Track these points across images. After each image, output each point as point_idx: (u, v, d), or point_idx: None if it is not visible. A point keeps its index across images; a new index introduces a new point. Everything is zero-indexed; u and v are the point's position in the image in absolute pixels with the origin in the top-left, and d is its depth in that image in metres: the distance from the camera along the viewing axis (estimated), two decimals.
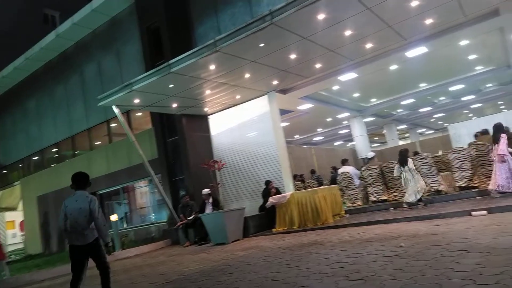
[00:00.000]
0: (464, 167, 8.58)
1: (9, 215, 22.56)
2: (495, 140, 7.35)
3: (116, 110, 10.33)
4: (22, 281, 8.06)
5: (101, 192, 15.82)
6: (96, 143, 16.45)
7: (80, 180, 4.44)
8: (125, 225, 14.92)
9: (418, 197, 8.18)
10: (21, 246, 19.69)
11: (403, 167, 8.41)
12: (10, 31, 24.96)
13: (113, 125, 15.29)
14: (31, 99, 19.47)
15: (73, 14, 15.22)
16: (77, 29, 15.41)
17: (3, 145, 21.73)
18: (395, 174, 8.88)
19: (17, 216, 22.15)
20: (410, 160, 8.51)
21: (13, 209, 21.59)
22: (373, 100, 18.83)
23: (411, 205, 8.30)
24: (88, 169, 15.85)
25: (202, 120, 12.44)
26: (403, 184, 8.56)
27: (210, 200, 10.03)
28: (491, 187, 7.34)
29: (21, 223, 21.60)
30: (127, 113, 13.76)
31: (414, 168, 8.47)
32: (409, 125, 27.88)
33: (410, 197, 8.30)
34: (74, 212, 4.18)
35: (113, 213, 11.83)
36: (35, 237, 18.60)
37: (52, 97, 18.16)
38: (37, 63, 18.07)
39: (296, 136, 24.71)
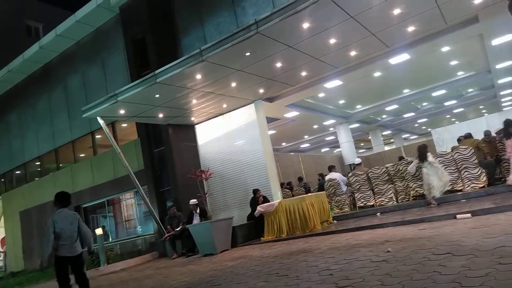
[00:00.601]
0: (448, 170, 8.70)
1: None
2: (507, 135, 7.45)
3: (101, 121, 10.20)
4: None
5: (85, 205, 15.53)
6: (81, 155, 16.18)
7: (64, 198, 5.03)
8: (110, 239, 14.63)
9: (442, 191, 7.97)
10: (1, 264, 19.07)
11: (423, 162, 8.17)
12: None
13: (98, 136, 15.08)
14: (14, 111, 19.09)
15: (57, 26, 15.07)
16: (60, 40, 15.25)
17: None
18: (411, 171, 8.65)
19: None
20: (429, 154, 8.17)
21: None
22: (358, 106, 19.08)
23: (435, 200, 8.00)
24: (72, 182, 15.60)
25: (188, 129, 12.38)
26: (424, 180, 8.19)
27: (198, 210, 9.93)
28: (509, 183, 7.41)
29: (2, 240, 20.95)
30: (112, 124, 13.61)
31: (436, 162, 8.19)
32: (394, 130, 28.31)
33: (437, 192, 7.93)
34: (66, 227, 4.77)
35: (98, 227, 11.60)
36: (17, 254, 18.08)
37: (35, 109, 17.85)
38: (20, 75, 17.77)
39: (283, 144, 24.82)
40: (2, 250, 19.87)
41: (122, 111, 10.10)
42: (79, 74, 15.67)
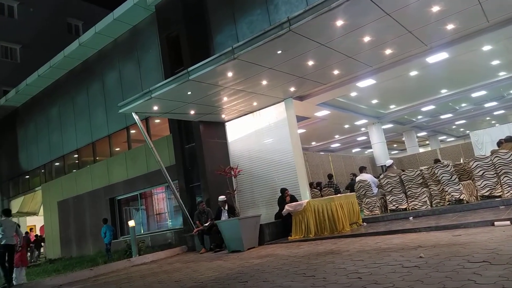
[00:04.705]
0: (486, 175, 8.32)
1: (30, 220, 23.09)
2: None
3: (135, 117, 10.51)
4: (41, 286, 8.19)
5: (119, 197, 16.07)
6: (116, 149, 16.76)
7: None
8: (142, 231, 15.07)
9: None
10: (41, 250, 20.11)
11: None
12: (35, 40, 25.85)
13: (132, 131, 15.56)
14: (54, 106, 20.03)
15: (96, 24, 15.66)
16: (99, 38, 15.83)
17: (26, 151, 22.38)
18: None
19: (37, 221, 22.65)
20: None
21: (34, 214, 22.11)
22: (392, 106, 18.58)
23: None
24: (107, 175, 16.18)
25: (219, 126, 12.52)
26: None
27: (226, 207, 10.04)
28: None
29: (41, 228, 22.09)
30: (146, 120, 13.99)
31: None
32: (430, 132, 27.34)
33: None
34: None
35: (130, 219, 11.97)
36: (55, 242, 19.00)
37: (74, 104, 18.64)
38: (60, 71, 18.60)
39: (313, 143, 24.57)
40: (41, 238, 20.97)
41: (155, 107, 10.36)
42: (116, 70, 16.21)
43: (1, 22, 25.65)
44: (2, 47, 25.39)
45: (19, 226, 8.47)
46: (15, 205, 22.79)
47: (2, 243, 7.74)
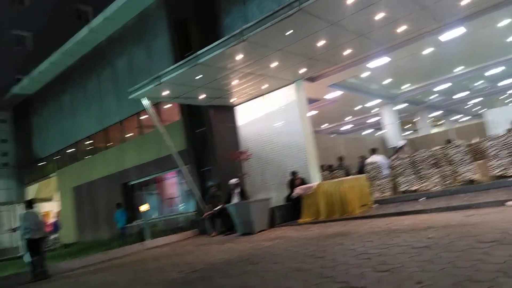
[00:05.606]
0: (500, 155, 8.16)
1: (46, 206, 23.66)
2: None
3: (146, 102, 10.55)
4: (58, 270, 8.43)
5: (132, 183, 16.31)
6: (128, 135, 16.91)
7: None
8: (155, 215, 15.33)
9: None
10: (56, 235, 20.65)
11: None
12: (46, 28, 25.95)
13: (143, 117, 15.65)
14: (66, 93, 20.21)
15: (105, 9, 15.59)
16: (108, 23, 15.77)
17: (40, 138, 22.76)
18: None
19: (53, 206, 23.21)
20: None
21: (49, 200, 22.63)
22: (405, 86, 18.23)
23: None
24: (120, 160, 16.39)
25: (229, 111, 12.49)
26: None
27: (237, 190, 10.10)
28: None
29: (57, 213, 22.66)
30: (156, 105, 14.01)
31: None
32: (444, 111, 26.80)
33: None
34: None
35: (143, 204, 12.17)
36: (70, 227, 19.47)
37: (85, 90, 18.78)
38: (71, 58, 18.67)
39: (324, 126, 24.37)
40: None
41: (165, 93, 10.36)
42: (126, 56, 16.22)
43: (11, 10, 25.76)
44: (14, 35, 25.57)
45: (40, 215, 8.20)
46: (31, 191, 23.34)
47: (26, 237, 7.56)
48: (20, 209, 18.75)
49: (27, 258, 8.13)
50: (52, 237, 19.12)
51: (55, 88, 20.89)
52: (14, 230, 17.72)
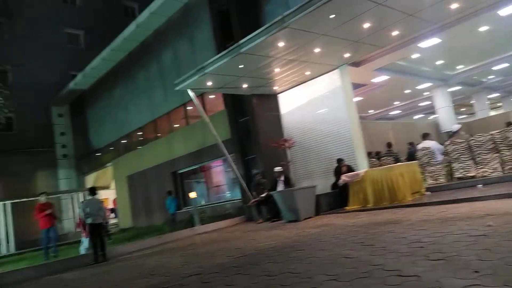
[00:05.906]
0: None
1: (104, 193, 25.23)
2: None
3: (191, 93, 10.79)
4: (115, 253, 8.98)
5: (181, 171, 16.89)
6: (175, 125, 17.48)
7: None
8: (203, 202, 15.79)
9: None
10: (115, 221, 21.97)
11: None
12: (96, 25, 27.29)
13: (189, 108, 16.07)
14: (117, 87, 21.24)
15: (150, 4, 16.07)
16: (154, 18, 16.27)
17: (95, 131, 24.19)
18: None
19: (110, 194, 24.67)
20: None
21: (106, 188, 24.07)
22: (460, 67, 17.12)
23: None
24: (168, 150, 17.01)
25: (271, 99, 12.46)
26: None
27: (282, 178, 10.11)
28: None
29: (114, 201, 24.07)
30: (201, 96, 14.32)
31: None
32: (503, 93, 24.88)
33: None
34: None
35: (192, 191, 12.57)
36: (126, 213, 20.62)
37: (135, 84, 19.60)
38: (120, 53, 19.52)
39: (371, 111, 23.58)
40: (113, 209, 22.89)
41: (209, 83, 10.53)
42: (171, 49, 16.66)
43: (65, 10, 27.34)
44: (67, 33, 27.15)
45: (102, 202, 8.73)
46: (90, 180, 24.96)
47: (88, 222, 8.15)
48: (79, 197, 20.17)
49: (86, 243, 8.80)
50: (111, 222, 20.42)
51: (107, 82, 21.99)
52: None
